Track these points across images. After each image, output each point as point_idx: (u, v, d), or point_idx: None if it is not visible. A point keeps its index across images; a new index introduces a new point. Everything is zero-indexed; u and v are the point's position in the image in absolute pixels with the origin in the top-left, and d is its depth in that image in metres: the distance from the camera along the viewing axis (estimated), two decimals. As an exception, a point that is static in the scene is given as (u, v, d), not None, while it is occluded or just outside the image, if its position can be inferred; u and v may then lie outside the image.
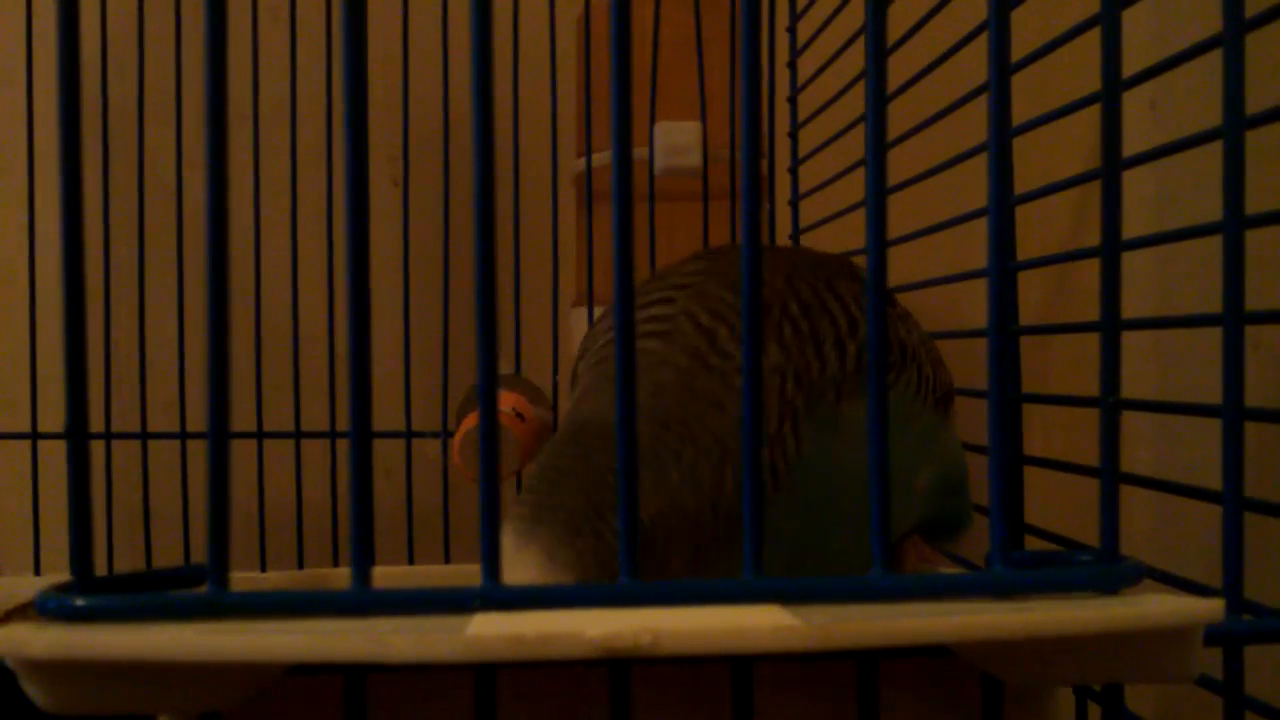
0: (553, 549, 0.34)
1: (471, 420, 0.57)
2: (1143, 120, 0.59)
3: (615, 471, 0.30)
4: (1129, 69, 0.34)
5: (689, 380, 0.37)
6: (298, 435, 0.72)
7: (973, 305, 0.67)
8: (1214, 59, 0.35)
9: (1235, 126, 0.34)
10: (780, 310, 0.39)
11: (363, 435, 0.25)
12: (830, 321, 0.39)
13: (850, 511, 0.37)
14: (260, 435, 0.71)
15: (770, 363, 0.38)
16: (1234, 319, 0.34)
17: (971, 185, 0.58)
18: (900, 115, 0.53)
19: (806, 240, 0.72)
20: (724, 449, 0.36)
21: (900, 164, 0.53)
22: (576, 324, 0.69)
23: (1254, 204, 0.34)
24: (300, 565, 0.70)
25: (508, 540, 0.34)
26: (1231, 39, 0.34)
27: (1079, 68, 0.47)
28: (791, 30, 0.75)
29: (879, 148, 0.26)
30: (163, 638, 0.23)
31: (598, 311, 0.67)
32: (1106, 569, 0.27)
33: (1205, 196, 0.41)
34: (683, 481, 0.36)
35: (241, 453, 0.69)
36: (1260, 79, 0.47)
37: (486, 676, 0.28)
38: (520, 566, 0.34)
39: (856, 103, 0.62)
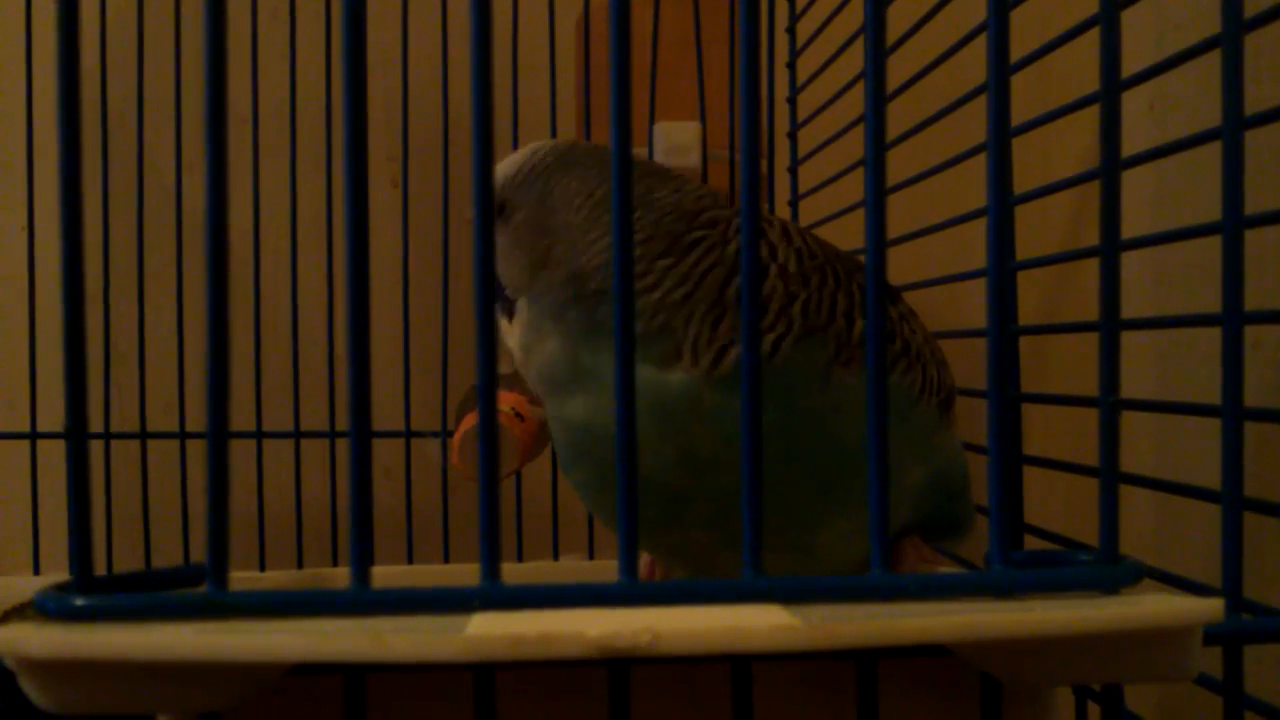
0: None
1: (471, 420, 0.57)
2: (1142, 120, 0.59)
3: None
4: (1128, 69, 0.34)
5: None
6: (297, 435, 0.72)
7: (972, 305, 0.67)
8: (1213, 59, 0.35)
9: (1234, 127, 0.34)
10: (815, 268, 0.40)
11: (362, 435, 0.25)
12: (846, 295, 0.40)
13: (817, 473, 0.39)
14: (259, 435, 0.71)
15: (795, 285, 0.39)
16: (1233, 319, 0.34)
17: (971, 185, 0.58)
18: (900, 115, 0.53)
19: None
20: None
21: (900, 164, 0.53)
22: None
23: (1252, 204, 0.34)
24: (300, 565, 0.70)
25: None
26: (1230, 39, 0.34)
27: (1078, 68, 0.47)
28: (791, 31, 0.75)
29: (878, 148, 0.26)
30: (162, 637, 0.23)
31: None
32: (1106, 569, 0.27)
33: (1204, 196, 0.41)
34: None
35: (241, 452, 0.69)
36: (1259, 79, 0.47)
37: (486, 676, 0.28)
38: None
39: (856, 103, 0.62)
